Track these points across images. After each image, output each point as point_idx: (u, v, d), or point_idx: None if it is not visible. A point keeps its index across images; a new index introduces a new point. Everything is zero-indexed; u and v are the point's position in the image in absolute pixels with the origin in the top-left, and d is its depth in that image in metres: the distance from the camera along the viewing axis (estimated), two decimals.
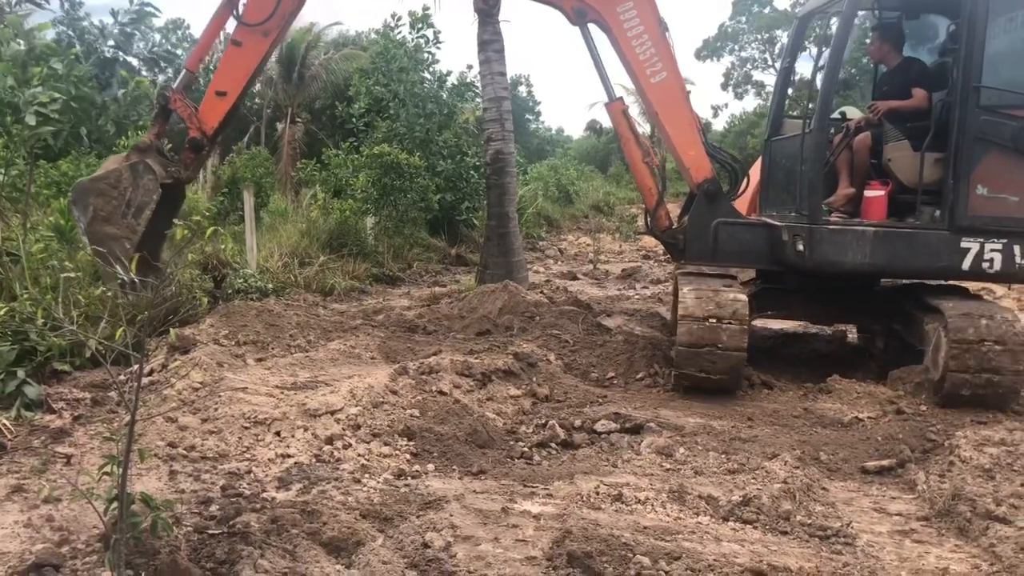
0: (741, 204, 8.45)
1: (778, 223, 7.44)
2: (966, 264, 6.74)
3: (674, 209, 8.78)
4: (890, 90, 7.39)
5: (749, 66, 51.04)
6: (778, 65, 10.77)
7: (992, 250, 6.69)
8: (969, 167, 6.66)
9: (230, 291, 9.81)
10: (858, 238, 6.81)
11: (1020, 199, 6.64)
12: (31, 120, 6.66)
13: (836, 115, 8.01)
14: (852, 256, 6.82)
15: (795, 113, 8.89)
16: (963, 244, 6.72)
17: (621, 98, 8.11)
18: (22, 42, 7.15)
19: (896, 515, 4.63)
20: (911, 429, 5.98)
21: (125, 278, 3.27)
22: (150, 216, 7.47)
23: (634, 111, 8.45)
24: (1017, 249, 6.69)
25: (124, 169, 7.49)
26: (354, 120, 17.83)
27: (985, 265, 6.73)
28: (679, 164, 7.81)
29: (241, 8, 7.72)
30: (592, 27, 7.86)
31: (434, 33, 17.34)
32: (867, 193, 7.07)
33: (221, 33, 8.26)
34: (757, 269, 8.40)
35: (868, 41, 7.79)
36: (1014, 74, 6.73)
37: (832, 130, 7.41)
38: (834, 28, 7.53)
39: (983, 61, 6.56)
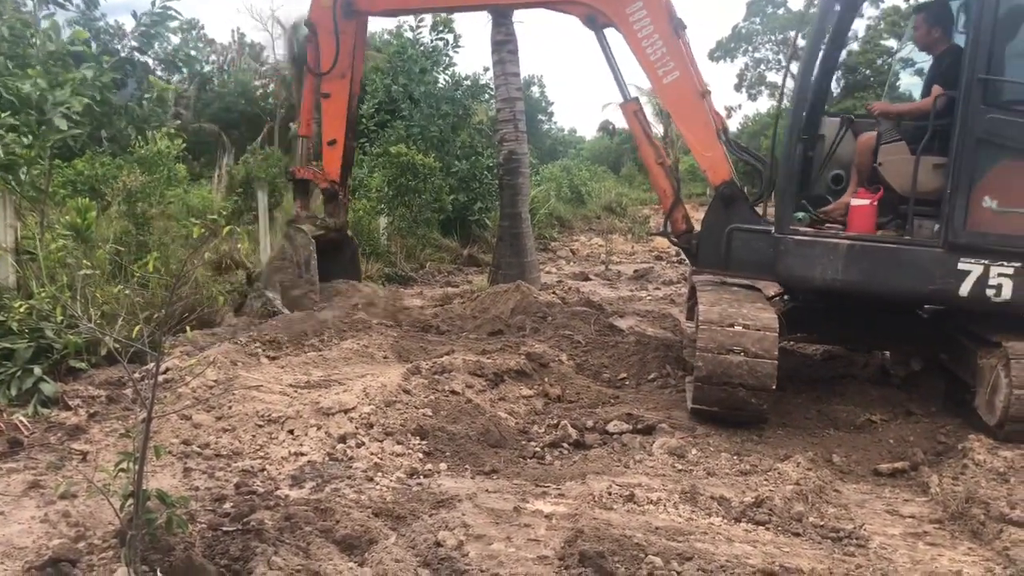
0: None
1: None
2: (964, 289, 5.80)
3: (695, 213, 8.38)
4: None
5: (763, 67, 50.88)
6: (792, 66, 10.22)
7: (1001, 275, 5.72)
8: (972, 175, 5.71)
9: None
10: (829, 252, 6.00)
11: None
12: (62, 124, 6.70)
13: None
14: (821, 272, 6.02)
15: (833, 110, 7.95)
16: (961, 265, 5.77)
17: (636, 99, 7.99)
18: (41, 41, 7.19)
19: (909, 517, 4.63)
20: (922, 431, 5.98)
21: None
22: (316, 264, 8.43)
23: (648, 112, 8.10)
24: None
25: (283, 241, 8.75)
26: (363, 121, 17.86)
27: (991, 292, 5.76)
28: (699, 166, 7.48)
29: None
30: (609, 30, 7.78)
31: (455, 37, 17.37)
32: (852, 201, 6.30)
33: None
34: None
35: (912, 26, 6.76)
36: None
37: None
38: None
39: (992, 48, 5.62)
